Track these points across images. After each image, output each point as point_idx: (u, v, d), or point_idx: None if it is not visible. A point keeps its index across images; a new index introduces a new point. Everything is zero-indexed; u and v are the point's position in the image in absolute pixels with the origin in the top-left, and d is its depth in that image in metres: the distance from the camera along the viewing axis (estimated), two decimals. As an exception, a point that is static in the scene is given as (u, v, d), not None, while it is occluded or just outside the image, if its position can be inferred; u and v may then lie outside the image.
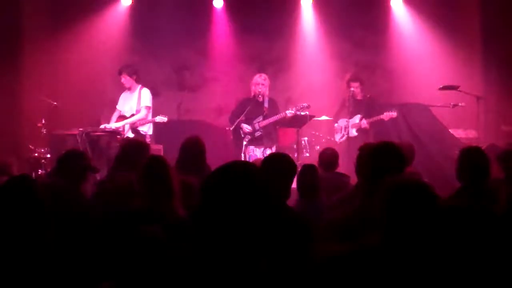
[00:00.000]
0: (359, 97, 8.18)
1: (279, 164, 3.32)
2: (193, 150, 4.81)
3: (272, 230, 2.66)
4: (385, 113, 7.81)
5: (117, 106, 8.09)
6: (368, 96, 8.29)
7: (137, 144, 4.84)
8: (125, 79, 7.90)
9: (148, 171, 3.44)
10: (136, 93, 7.88)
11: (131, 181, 3.64)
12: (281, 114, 7.73)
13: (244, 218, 1.93)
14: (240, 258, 1.92)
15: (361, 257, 2.06)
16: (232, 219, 1.92)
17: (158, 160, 3.53)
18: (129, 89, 7.97)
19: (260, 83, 7.85)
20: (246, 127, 7.80)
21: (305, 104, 7.69)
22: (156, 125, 7.95)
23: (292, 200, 3.76)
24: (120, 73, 7.92)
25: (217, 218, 1.94)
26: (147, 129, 7.85)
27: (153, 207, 3.31)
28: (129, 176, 4.02)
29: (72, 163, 4.29)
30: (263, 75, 8.02)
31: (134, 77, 7.91)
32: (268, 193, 2.01)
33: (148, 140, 7.82)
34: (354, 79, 8.18)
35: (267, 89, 7.93)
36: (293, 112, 7.67)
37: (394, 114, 7.76)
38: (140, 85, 7.95)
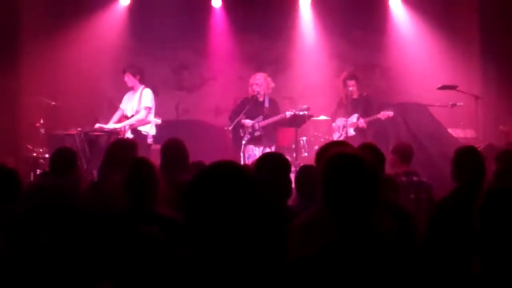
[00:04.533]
0: (355, 96, 8.17)
1: (272, 162, 3.33)
2: (176, 152, 4.70)
3: (269, 229, 2.66)
4: (381, 112, 7.79)
5: (121, 105, 8.07)
6: (365, 94, 8.27)
7: (124, 144, 4.80)
8: (128, 79, 7.89)
9: (133, 173, 3.44)
10: (138, 93, 7.87)
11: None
12: (281, 115, 7.73)
13: (233, 217, 1.93)
14: (234, 257, 1.92)
15: (326, 254, 2.04)
16: (220, 218, 1.93)
17: (142, 163, 3.53)
18: (132, 88, 7.96)
19: (254, 84, 7.85)
20: (248, 121, 7.78)
21: (304, 106, 7.69)
22: (156, 126, 7.94)
23: (292, 200, 3.76)
24: (124, 72, 7.90)
25: (205, 218, 1.94)
26: (148, 129, 7.83)
27: (138, 208, 3.31)
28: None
29: (63, 160, 4.34)
30: (257, 75, 7.99)
31: (138, 77, 7.89)
32: (257, 192, 2.01)
33: (150, 140, 7.81)
34: (350, 77, 8.16)
35: (264, 88, 7.89)
36: (292, 113, 7.66)
37: (390, 113, 7.74)
38: (142, 86, 7.94)
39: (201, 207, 1.94)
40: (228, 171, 1.98)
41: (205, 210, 1.93)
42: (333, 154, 2.17)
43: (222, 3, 9.81)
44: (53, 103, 8.41)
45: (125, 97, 8.06)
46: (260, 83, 7.85)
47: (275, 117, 7.72)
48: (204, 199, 1.94)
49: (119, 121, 7.92)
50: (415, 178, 4.97)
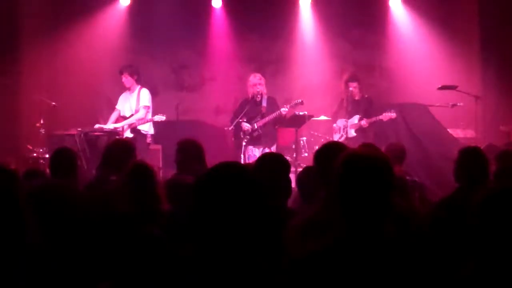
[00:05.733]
0: (357, 97, 8.17)
1: (272, 163, 3.33)
2: (191, 151, 4.75)
3: (269, 229, 2.67)
4: (384, 114, 7.77)
5: (117, 106, 8.09)
6: (366, 96, 8.28)
7: (121, 144, 4.80)
8: (126, 79, 7.90)
9: (133, 177, 3.49)
10: (135, 93, 7.90)
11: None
12: (277, 112, 7.73)
13: (237, 218, 1.94)
14: (236, 258, 1.92)
15: (332, 251, 2.04)
16: (225, 219, 1.93)
17: (142, 167, 3.57)
18: (129, 89, 7.97)
19: (257, 83, 7.86)
20: (245, 125, 7.80)
21: (299, 100, 7.69)
22: (155, 125, 7.95)
23: (292, 201, 3.76)
24: (121, 73, 7.92)
25: (210, 219, 1.95)
26: (148, 129, 7.85)
27: (141, 209, 3.34)
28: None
29: (64, 161, 4.35)
30: (258, 75, 8.02)
31: (135, 77, 7.92)
32: (261, 193, 2.02)
33: (149, 139, 7.83)
34: (352, 78, 8.18)
35: (264, 87, 7.93)
36: (287, 109, 7.65)
37: (393, 114, 7.73)
38: (139, 86, 7.95)
39: (206, 207, 1.95)
40: (234, 172, 1.99)
41: (210, 210, 1.94)
42: (353, 154, 2.18)
43: (222, 3, 9.81)
44: (53, 103, 8.41)
45: (121, 98, 8.08)
46: (263, 82, 7.88)
47: (272, 115, 7.72)
48: (209, 199, 1.95)
49: (117, 121, 7.94)
50: (407, 178, 4.99)
